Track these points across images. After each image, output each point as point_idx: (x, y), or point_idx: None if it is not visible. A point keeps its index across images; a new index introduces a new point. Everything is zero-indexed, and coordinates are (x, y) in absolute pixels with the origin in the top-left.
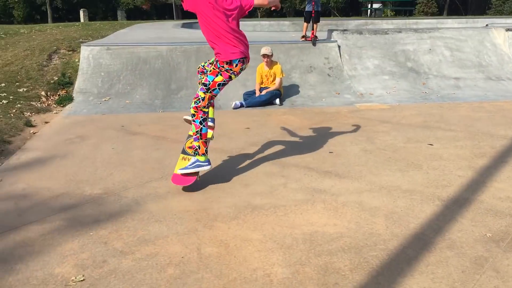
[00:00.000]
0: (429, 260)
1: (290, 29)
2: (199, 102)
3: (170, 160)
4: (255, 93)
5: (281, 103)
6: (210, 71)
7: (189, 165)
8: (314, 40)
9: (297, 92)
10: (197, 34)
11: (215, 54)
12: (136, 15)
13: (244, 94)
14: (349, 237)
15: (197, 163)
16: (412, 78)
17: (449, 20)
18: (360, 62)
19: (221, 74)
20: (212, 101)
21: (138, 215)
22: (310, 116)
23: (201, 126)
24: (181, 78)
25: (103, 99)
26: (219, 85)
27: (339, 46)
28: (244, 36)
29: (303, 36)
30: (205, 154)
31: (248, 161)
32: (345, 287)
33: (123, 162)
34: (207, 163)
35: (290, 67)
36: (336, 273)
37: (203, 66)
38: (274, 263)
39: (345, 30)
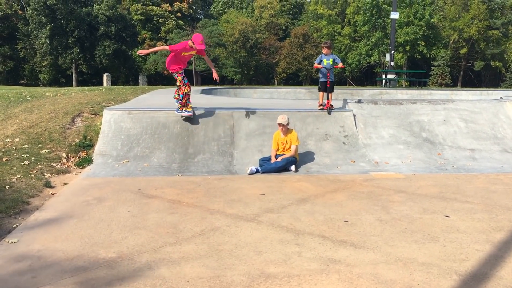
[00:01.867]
0: None
1: (306, 97)
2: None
3: (185, 225)
4: (270, 159)
5: (296, 170)
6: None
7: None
8: (330, 109)
9: (312, 159)
10: (215, 100)
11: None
12: (157, 79)
13: (260, 160)
14: None
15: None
16: (427, 148)
17: (463, 92)
18: (375, 131)
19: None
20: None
21: (151, 281)
22: (325, 183)
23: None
24: (199, 142)
25: (121, 162)
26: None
27: (354, 115)
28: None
29: (320, 105)
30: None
31: (262, 228)
32: None
33: (138, 225)
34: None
35: (306, 134)
36: None
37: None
38: None
39: (360, 100)
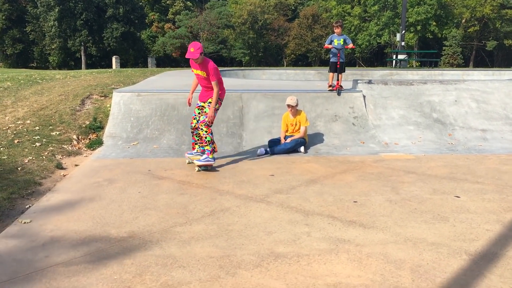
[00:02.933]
0: None
1: (315, 78)
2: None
3: (195, 205)
4: (280, 140)
5: (305, 151)
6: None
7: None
8: (339, 90)
9: (322, 140)
10: (224, 82)
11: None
12: (165, 62)
13: (269, 141)
14: None
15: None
16: (438, 129)
17: (475, 72)
18: (385, 112)
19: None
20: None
21: (162, 260)
22: (335, 164)
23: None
24: None
25: (131, 144)
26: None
27: (364, 96)
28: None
29: (330, 85)
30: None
31: (271, 208)
32: None
33: (149, 206)
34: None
35: (315, 115)
36: None
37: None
38: None
39: (370, 81)
